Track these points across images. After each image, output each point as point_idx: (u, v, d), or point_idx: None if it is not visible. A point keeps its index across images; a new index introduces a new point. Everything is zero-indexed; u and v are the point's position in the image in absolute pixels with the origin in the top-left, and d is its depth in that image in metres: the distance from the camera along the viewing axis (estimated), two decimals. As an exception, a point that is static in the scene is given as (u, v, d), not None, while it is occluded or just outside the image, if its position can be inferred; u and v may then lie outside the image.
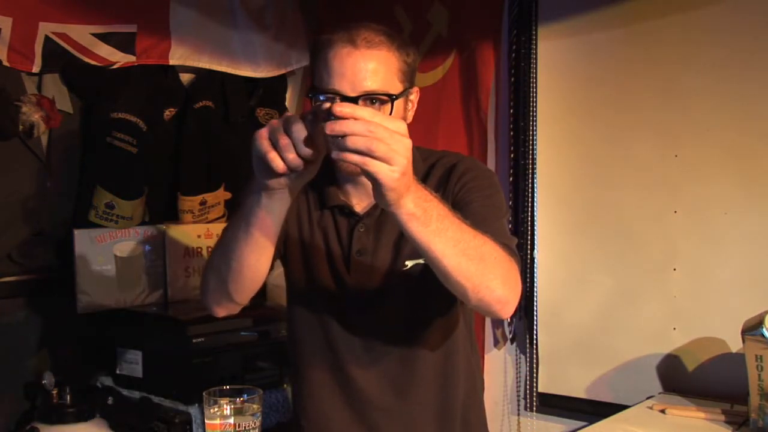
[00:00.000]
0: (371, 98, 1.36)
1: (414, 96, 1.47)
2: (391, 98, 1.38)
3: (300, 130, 1.11)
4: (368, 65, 1.36)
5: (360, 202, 1.53)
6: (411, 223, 1.17)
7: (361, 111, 1.07)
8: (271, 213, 1.27)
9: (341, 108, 1.07)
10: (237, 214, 1.34)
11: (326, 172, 1.53)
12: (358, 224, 1.52)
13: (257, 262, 1.35)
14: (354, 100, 1.34)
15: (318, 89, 1.38)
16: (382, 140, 1.06)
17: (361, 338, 1.54)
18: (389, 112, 1.37)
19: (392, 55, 1.39)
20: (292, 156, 1.13)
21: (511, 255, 1.34)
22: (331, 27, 1.43)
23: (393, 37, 1.41)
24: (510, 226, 2.46)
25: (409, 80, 1.43)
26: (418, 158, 1.54)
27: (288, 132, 1.12)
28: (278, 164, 1.13)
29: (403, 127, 1.09)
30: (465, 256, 1.22)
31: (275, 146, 1.13)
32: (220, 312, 1.49)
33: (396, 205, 1.14)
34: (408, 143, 1.09)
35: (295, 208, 1.55)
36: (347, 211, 1.53)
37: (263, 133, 1.14)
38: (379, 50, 1.37)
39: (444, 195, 1.49)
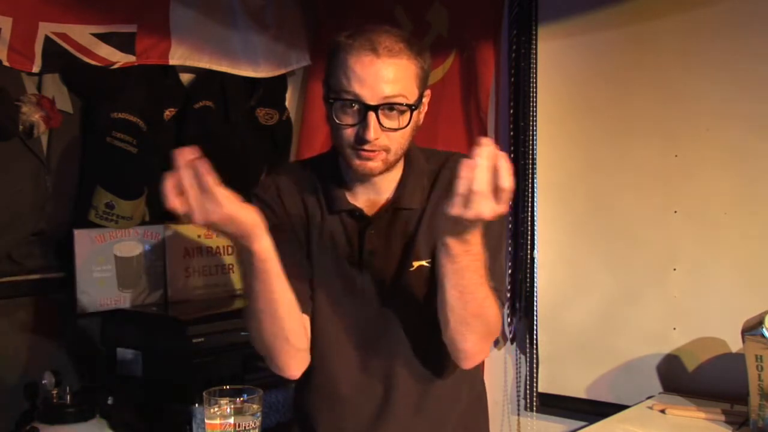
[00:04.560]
0: (390, 106, 1.38)
1: (426, 98, 1.49)
2: (411, 108, 1.40)
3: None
4: (389, 74, 1.38)
5: (370, 205, 1.53)
6: (451, 262, 1.31)
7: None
8: (257, 261, 1.32)
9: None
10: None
11: (333, 176, 1.53)
12: (369, 227, 1.52)
13: (279, 310, 1.40)
14: (375, 108, 1.37)
15: (337, 93, 1.40)
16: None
17: (367, 339, 1.54)
18: (408, 120, 1.41)
19: (411, 62, 1.41)
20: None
21: (500, 307, 1.46)
22: (350, 30, 1.42)
23: (412, 43, 1.42)
24: (510, 227, 2.46)
25: (424, 85, 1.45)
26: (422, 159, 1.54)
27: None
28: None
29: None
30: (464, 302, 1.36)
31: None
32: (295, 370, 1.51)
33: (460, 239, 1.28)
34: None
35: (302, 214, 1.55)
36: (357, 214, 1.53)
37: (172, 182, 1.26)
38: (399, 58, 1.39)
39: None
